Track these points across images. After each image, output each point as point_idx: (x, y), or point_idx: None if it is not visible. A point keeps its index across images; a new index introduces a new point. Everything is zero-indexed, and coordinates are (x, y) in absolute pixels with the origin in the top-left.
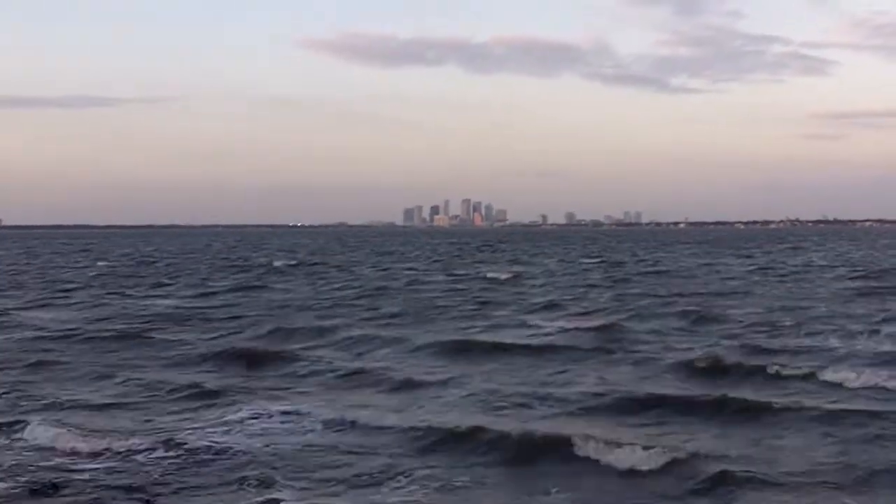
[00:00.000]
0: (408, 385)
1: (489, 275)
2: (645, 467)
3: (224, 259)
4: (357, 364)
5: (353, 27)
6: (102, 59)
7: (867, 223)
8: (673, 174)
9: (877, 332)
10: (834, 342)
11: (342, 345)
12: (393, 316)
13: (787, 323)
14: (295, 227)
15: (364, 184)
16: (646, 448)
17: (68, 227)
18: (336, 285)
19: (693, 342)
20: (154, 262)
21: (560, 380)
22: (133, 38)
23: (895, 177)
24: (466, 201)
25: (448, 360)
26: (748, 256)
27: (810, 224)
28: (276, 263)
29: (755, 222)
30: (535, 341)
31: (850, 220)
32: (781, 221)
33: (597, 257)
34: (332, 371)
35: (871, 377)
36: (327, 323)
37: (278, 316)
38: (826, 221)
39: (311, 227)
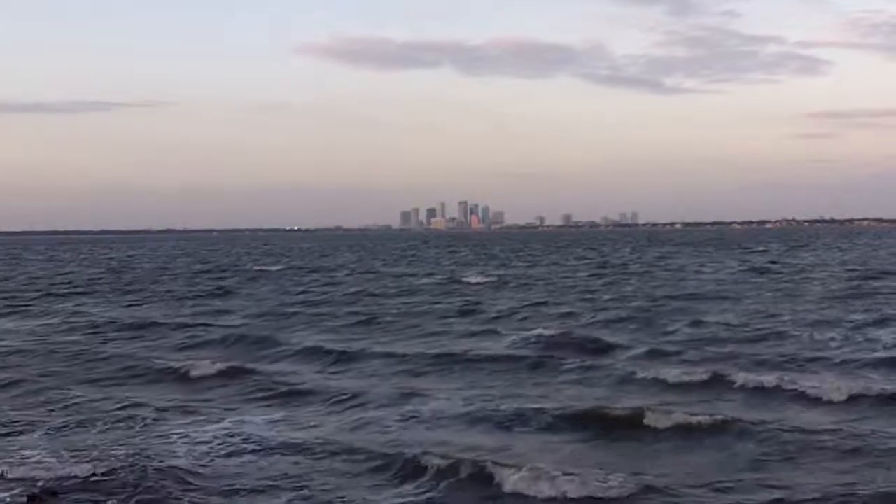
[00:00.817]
0: (333, 401)
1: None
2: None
3: (206, 264)
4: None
5: (349, 31)
6: (99, 65)
7: (864, 222)
8: (669, 175)
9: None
10: (802, 351)
11: (293, 359)
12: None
13: (765, 330)
14: (292, 230)
15: (361, 187)
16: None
17: (65, 232)
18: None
19: (660, 353)
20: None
21: (504, 394)
22: (130, 43)
23: (892, 176)
24: (463, 203)
25: (393, 372)
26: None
27: (807, 224)
28: (257, 268)
29: (751, 222)
30: (491, 351)
31: (848, 220)
32: (778, 221)
33: (583, 258)
34: (263, 389)
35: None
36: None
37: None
38: (823, 221)
39: (307, 230)
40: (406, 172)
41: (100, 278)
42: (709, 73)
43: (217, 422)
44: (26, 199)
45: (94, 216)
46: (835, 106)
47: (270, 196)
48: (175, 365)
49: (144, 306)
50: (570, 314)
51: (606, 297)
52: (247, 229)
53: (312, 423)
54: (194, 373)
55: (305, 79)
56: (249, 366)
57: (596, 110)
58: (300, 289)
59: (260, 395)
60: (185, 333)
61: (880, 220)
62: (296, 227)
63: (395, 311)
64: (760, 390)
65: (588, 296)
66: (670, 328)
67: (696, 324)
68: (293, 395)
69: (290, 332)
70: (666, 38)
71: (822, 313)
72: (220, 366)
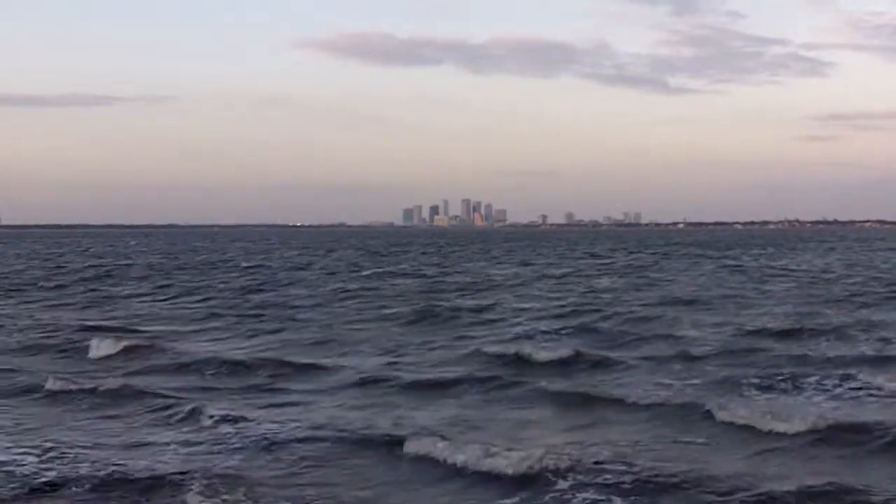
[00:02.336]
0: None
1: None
2: None
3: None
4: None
5: (351, 27)
6: (100, 59)
7: (867, 224)
8: (672, 174)
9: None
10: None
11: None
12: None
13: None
14: (294, 227)
15: (364, 184)
16: None
17: (67, 226)
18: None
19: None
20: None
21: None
22: (132, 37)
23: (894, 178)
24: (466, 201)
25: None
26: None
27: (809, 225)
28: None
29: (754, 223)
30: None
31: (850, 221)
32: (781, 222)
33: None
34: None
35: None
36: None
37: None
38: (826, 222)
39: (310, 226)
40: (409, 170)
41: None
42: (713, 73)
43: None
44: (26, 193)
45: (96, 210)
46: (838, 108)
47: (273, 192)
48: None
49: None
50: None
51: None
52: (249, 225)
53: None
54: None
55: (308, 74)
56: None
57: (599, 109)
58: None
59: None
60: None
61: (883, 222)
62: (298, 224)
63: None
64: None
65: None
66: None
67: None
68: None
69: None
70: (670, 37)
71: None
72: None
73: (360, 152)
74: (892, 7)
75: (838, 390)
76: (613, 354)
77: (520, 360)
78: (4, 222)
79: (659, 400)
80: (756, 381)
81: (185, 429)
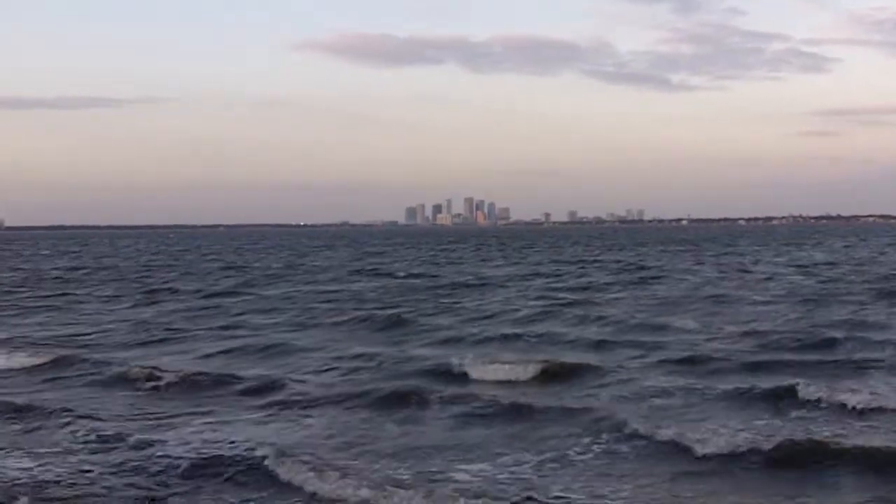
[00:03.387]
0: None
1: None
2: None
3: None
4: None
5: (351, 27)
6: (101, 60)
7: (870, 219)
8: (675, 171)
9: None
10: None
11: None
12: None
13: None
14: (298, 226)
15: (366, 183)
16: None
17: (69, 227)
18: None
19: None
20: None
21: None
22: (131, 38)
23: None
24: (469, 200)
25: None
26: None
27: (813, 220)
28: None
29: (757, 219)
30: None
31: (854, 216)
32: (784, 218)
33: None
34: None
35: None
36: None
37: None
38: (829, 217)
39: (313, 226)
40: (411, 169)
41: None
42: (714, 70)
43: None
44: (27, 195)
45: (98, 212)
46: (840, 103)
47: (277, 192)
48: None
49: None
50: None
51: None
52: (252, 224)
53: None
54: None
55: (309, 75)
56: None
57: (601, 107)
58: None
59: None
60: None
61: (887, 217)
62: (302, 223)
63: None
64: None
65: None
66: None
67: None
68: None
69: None
70: (671, 35)
71: None
72: None
73: (362, 152)
74: (893, 2)
75: None
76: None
77: (447, 374)
78: (7, 224)
79: None
80: None
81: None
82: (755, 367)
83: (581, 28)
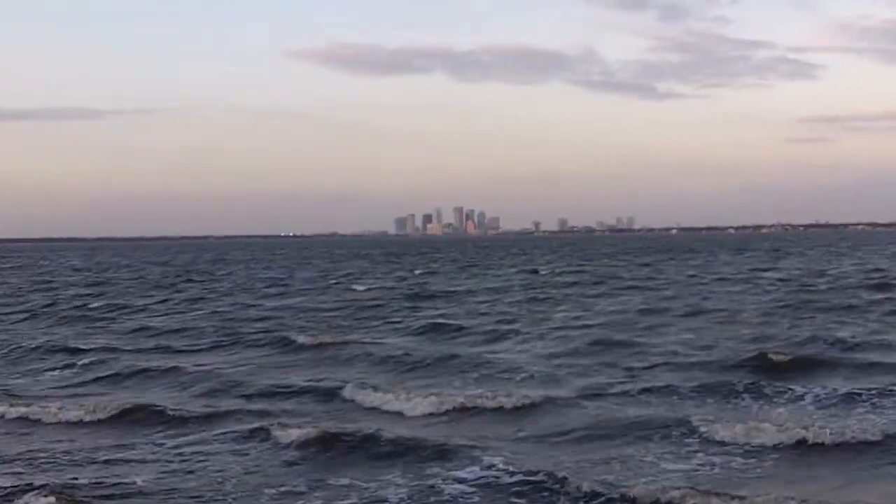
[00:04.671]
0: None
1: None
2: None
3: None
4: None
5: (340, 37)
6: (94, 71)
7: (859, 227)
8: (664, 180)
9: None
10: None
11: None
12: None
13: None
14: (287, 237)
15: (356, 193)
16: None
17: (61, 239)
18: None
19: None
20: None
21: None
22: (121, 48)
23: (885, 180)
24: (459, 209)
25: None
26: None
27: (802, 228)
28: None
29: (747, 227)
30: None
31: (843, 224)
32: (773, 226)
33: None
34: None
35: None
36: None
37: None
38: (818, 225)
39: (303, 236)
40: (402, 178)
41: None
42: (701, 77)
43: None
44: (18, 207)
45: (88, 223)
46: (827, 110)
47: (266, 202)
48: None
49: None
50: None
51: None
52: (242, 235)
53: None
54: None
55: (299, 84)
56: None
57: (589, 115)
58: None
59: None
60: None
61: (874, 224)
62: (291, 234)
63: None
64: None
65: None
66: None
67: None
68: None
69: None
70: (658, 43)
71: None
72: None
73: (352, 162)
74: (880, 9)
75: None
76: None
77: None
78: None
79: None
80: None
81: None
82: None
83: (568, 37)
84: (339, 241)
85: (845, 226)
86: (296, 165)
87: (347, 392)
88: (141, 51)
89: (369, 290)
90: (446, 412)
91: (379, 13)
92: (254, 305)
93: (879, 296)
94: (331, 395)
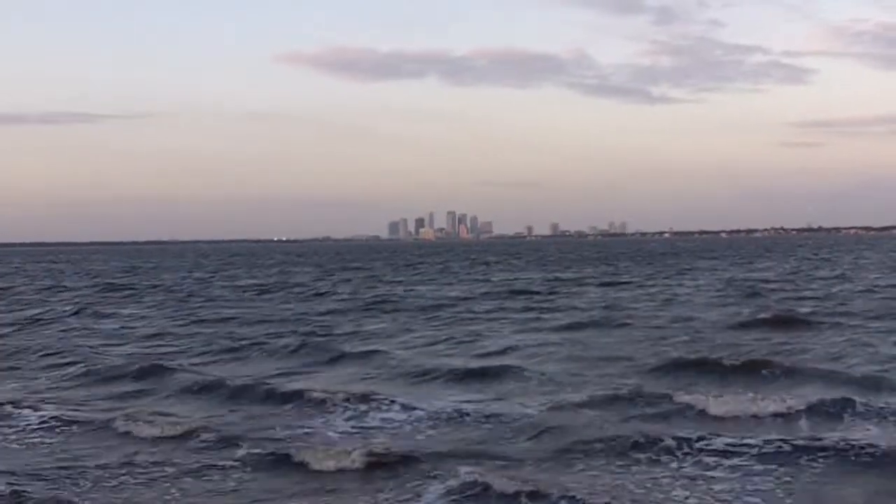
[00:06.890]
0: None
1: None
2: None
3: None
4: None
5: (333, 41)
6: (83, 76)
7: (852, 231)
8: (657, 184)
9: None
10: None
11: None
12: None
13: None
14: (280, 241)
15: (348, 198)
16: None
17: (51, 244)
18: None
19: None
20: None
21: None
22: (113, 53)
23: (879, 184)
24: (451, 214)
25: None
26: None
27: (795, 232)
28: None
29: (740, 231)
30: None
31: (836, 228)
32: (766, 230)
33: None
34: None
35: None
36: None
37: None
38: (811, 230)
39: (295, 241)
40: (394, 183)
41: None
42: (694, 82)
43: None
44: (10, 213)
45: (77, 228)
46: (820, 114)
47: (257, 206)
48: None
49: None
50: None
51: None
52: (234, 240)
53: None
54: None
55: (291, 89)
56: None
57: (583, 119)
58: None
59: None
60: None
61: (868, 229)
62: (283, 238)
63: None
64: None
65: None
66: None
67: None
68: None
69: None
70: (651, 47)
71: None
72: None
73: (344, 166)
74: (873, 14)
75: None
76: None
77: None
78: None
79: None
80: None
81: None
82: None
83: (562, 41)
84: (333, 246)
85: (838, 230)
86: (288, 170)
87: None
88: (129, 55)
89: None
90: None
91: (372, 17)
92: None
93: None
94: None
